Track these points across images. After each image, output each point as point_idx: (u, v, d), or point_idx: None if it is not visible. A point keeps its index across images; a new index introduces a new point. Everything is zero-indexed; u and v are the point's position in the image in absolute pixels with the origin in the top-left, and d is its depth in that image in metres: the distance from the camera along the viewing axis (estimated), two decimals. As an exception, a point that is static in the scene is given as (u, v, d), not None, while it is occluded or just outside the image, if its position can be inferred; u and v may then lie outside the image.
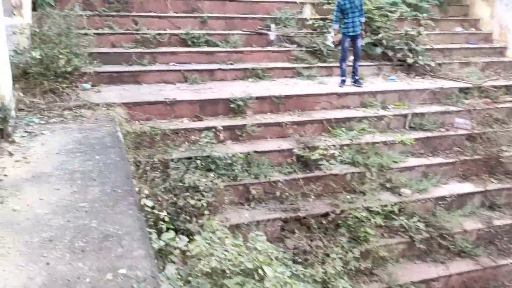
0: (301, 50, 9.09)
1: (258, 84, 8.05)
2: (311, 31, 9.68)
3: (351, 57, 8.53)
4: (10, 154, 4.53)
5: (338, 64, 8.90)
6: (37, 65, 6.46)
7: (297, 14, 10.08)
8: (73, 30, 7.43)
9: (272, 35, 9.25)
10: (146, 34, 8.53)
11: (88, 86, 7.11)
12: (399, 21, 10.05)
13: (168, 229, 3.86)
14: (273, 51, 9.06)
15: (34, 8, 8.14)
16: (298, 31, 9.57)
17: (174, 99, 6.84)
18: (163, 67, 8.09)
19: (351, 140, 6.64)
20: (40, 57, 6.35)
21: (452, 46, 10.37)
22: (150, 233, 3.58)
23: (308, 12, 10.29)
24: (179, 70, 7.99)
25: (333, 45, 9.20)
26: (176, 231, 4.19)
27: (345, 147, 6.69)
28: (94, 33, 7.95)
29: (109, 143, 4.95)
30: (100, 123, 5.76)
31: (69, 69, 6.63)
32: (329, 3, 9.93)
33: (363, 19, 8.13)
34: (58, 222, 3.13)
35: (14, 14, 6.86)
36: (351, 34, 8.03)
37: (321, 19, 9.85)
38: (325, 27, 9.62)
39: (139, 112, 6.60)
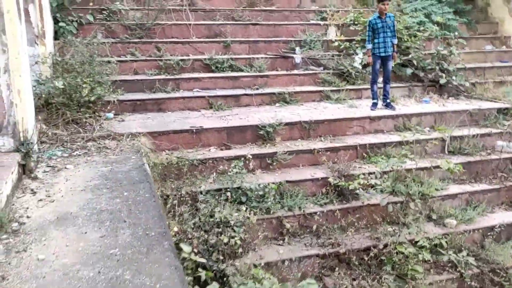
0: (328, 73, 8.78)
1: (285, 109, 7.73)
2: (337, 53, 9.38)
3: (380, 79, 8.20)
4: (33, 193, 4.24)
5: (367, 87, 8.58)
6: (60, 95, 6.26)
7: (322, 36, 9.81)
8: (95, 58, 7.27)
9: (297, 58, 8.97)
10: (169, 60, 8.33)
11: (111, 115, 6.88)
12: (427, 41, 9.72)
13: (210, 279, 3.47)
14: (299, 75, 8.77)
15: (56, 37, 8.02)
16: (324, 53, 9.28)
17: (201, 127, 6.55)
18: (187, 93, 7.84)
19: (391, 168, 6.20)
20: (63, 86, 6.15)
21: (484, 65, 9.96)
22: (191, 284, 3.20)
23: (332, 34, 10.01)
24: (203, 97, 7.73)
25: (360, 67, 8.90)
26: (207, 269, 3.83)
27: (382, 174, 6.27)
28: (117, 61, 7.77)
29: (136, 177, 4.64)
30: (125, 154, 5.48)
31: (92, 98, 6.41)
32: (355, 24, 9.65)
33: (395, 41, 7.80)
34: (88, 274, 2.78)
35: (36, 44, 6.71)
36: (382, 55, 7.70)
37: (347, 41, 9.56)
38: (351, 49, 9.32)
39: (164, 141, 6.31)
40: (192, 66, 8.53)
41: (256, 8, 10.17)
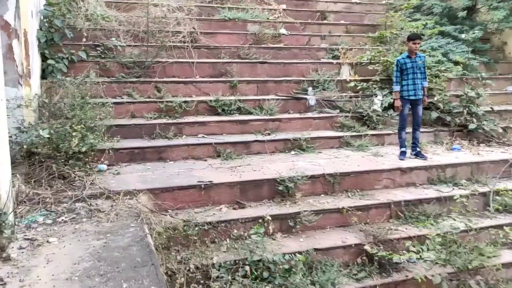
0: (346, 116, 7.94)
1: (303, 158, 6.83)
2: (353, 94, 8.60)
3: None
4: (2, 283, 3.21)
5: (390, 132, 7.79)
6: (45, 145, 5.30)
7: (335, 76, 9.06)
8: (88, 101, 6.36)
9: (311, 100, 8.16)
10: (170, 102, 7.45)
11: (104, 167, 5.91)
12: (447, 81, 9.01)
13: None
14: (314, 118, 7.92)
15: (43, 76, 7.13)
16: (339, 94, 8.49)
17: (210, 182, 5.59)
18: (191, 140, 6.92)
19: (437, 233, 5.25)
20: (48, 135, 5.19)
21: (510, 108, 9.24)
22: None
23: (346, 73, 9.27)
24: (210, 144, 6.81)
25: (380, 110, 8.11)
26: None
27: (423, 238, 5.32)
28: (112, 103, 6.86)
29: (138, 257, 3.64)
30: (122, 220, 4.49)
31: (83, 148, 5.45)
32: (371, 63, 8.92)
33: (426, 83, 7.03)
34: None
35: (20, 84, 5.79)
36: (412, 98, 6.91)
37: (363, 81, 8.82)
38: (369, 89, 8.56)
39: (168, 200, 5.33)
40: (196, 109, 7.65)
41: (263, 46, 9.44)
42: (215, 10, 10.24)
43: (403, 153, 6.96)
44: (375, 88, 8.57)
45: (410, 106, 6.98)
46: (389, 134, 7.83)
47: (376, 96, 8.27)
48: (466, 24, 10.73)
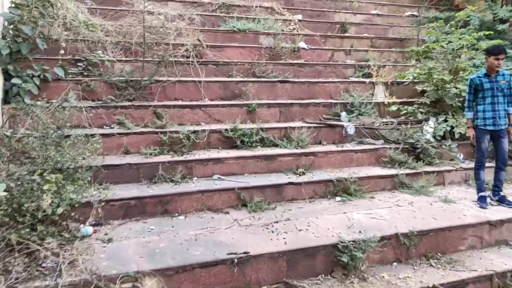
0: (396, 149, 6.34)
1: (354, 207, 5.17)
2: (395, 119, 7.04)
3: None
4: None
5: (449, 168, 6.22)
6: (1, 206, 3.51)
7: (369, 97, 7.51)
8: (67, 133, 4.63)
9: (350, 128, 6.55)
10: (175, 132, 5.74)
11: (90, 230, 4.16)
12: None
13: None
14: (356, 151, 6.30)
15: (6, 100, 5.36)
16: (381, 120, 6.91)
17: (246, 253, 3.86)
18: (205, 183, 5.20)
19: None
20: (6, 193, 3.41)
21: None
22: None
23: (381, 94, 7.73)
24: (231, 189, 5.11)
25: (433, 140, 6.55)
26: None
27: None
28: (99, 134, 5.12)
29: None
30: None
31: (59, 210, 3.68)
32: (415, 82, 7.38)
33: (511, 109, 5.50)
34: None
35: (-32, 113, 4.03)
36: (490, 128, 5.35)
37: (404, 103, 7.30)
38: (414, 114, 7.01)
39: (186, 283, 3.59)
40: (208, 141, 5.95)
41: (281, 62, 7.85)
42: (220, 20, 8.64)
43: (482, 199, 5.36)
44: (422, 113, 7.03)
45: (489, 138, 5.41)
46: (449, 171, 6.26)
47: (427, 123, 6.72)
48: (506, 38, 9.37)
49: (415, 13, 10.90)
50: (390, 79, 7.87)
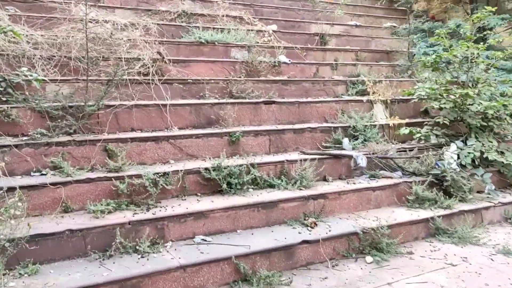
0: (421, 183, 5.01)
1: (397, 273, 3.74)
2: (404, 144, 5.78)
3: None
4: None
5: (487, 204, 4.99)
6: None
7: (370, 118, 6.20)
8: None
9: (360, 158, 5.16)
10: (135, 177, 4.08)
11: None
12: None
13: None
14: (373, 189, 4.91)
15: None
16: (392, 147, 5.60)
17: None
18: (186, 252, 3.58)
19: None
20: None
21: None
22: None
23: (381, 114, 6.47)
24: (225, 258, 3.53)
25: (458, 168, 5.31)
26: None
27: None
28: (24, 187, 3.39)
29: None
30: None
31: None
32: (429, 99, 6.15)
33: None
34: None
35: None
36: None
37: (409, 124, 6.08)
38: (427, 138, 5.78)
39: None
40: (183, 185, 4.34)
41: (262, 78, 6.39)
42: (182, 30, 7.09)
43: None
44: (437, 136, 5.81)
45: None
46: (487, 208, 5.03)
47: (448, 148, 5.48)
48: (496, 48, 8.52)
49: (395, 24, 9.92)
50: (390, 96, 6.64)
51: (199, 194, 4.42)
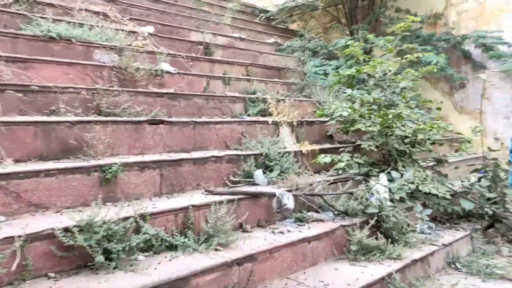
0: (361, 226, 3.91)
1: None
2: (329, 176, 4.71)
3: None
4: None
5: (433, 248, 4.15)
6: None
7: (278, 143, 4.99)
8: None
9: (287, 198, 3.86)
10: None
11: None
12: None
13: None
14: (308, 240, 3.64)
15: None
16: (317, 180, 4.45)
17: None
18: None
19: None
20: None
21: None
22: None
23: (288, 138, 5.34)
24: None
25: (388, 203, 4.40)
26: None
27: None
28: None
29: None
30: None
31: None
32: (347, 122, 5.20)
33: None
34: None
35: None
36: None
37: (324, 151, 5.08)
38: (350, 168, 4.81)
39: None
40: (23, 263, 2.47)
41: (142, 90, 4.73)
42: (22, 20, 5.03)
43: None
44: (360, 165, 4.87)
45: None
46: (432, 253, 4.16)
47: (379, 180, 4.55)
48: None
49: (279, 41, 9.11)
50: (296, 118, 5.58)
51: (52, 275, 2.59)
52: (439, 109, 5.52)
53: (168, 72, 5.35)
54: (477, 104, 8.05)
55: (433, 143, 5.15)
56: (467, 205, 4.83)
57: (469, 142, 5.34)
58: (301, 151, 5.03)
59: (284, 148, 4.89)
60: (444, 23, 8.46)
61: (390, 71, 5.26)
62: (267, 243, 3.36)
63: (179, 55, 5.97)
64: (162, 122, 4.25)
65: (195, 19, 8.19)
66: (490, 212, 4.94)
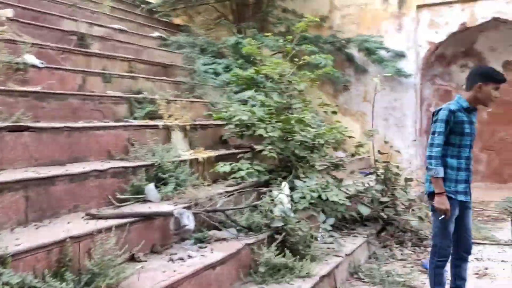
0: (269, 243, 3.57)
1: None
2: (229, 187, 4.31)
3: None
4: None
5: (337, 259, 4.03)
6: None
7: (170, 151, 4.44)
8: None
9: (186, 218, 3.35)
10: None
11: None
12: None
13: None
14: (213, 266, 3.17)
15: None
16: (217, 192, 4.01)
17: None
18: None
19: None
20: None
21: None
22: None
23: (180, 144, 4.81)
24: None
25: (291, 214, 4.19)
26: None
27: None
28: None
29: None
30: None
31: None
32: (247, 126, 4.83)
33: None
34: None
35: None
36: (461, 199, 3.34)
37: (221, 158, 4.68)
38: (250, 177, 4.47)
39: None
40: None
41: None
42: None
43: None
44: (260, 172, 4.56)
45: (457, 213, 3.36)
46: (337, 265, 4.00)
47: (281, 189, 4.28)
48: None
49: (164, 35, 8.42)
50: (188, 121, 5.07)
51: None
52: (334, 112, 5.47)
53: (34, 66, 4.44)
54: (360, 107, 8.36)
55: (335, 148, 5.07)
56: (364, 210, 4.84)
57: (361, 146, 5.38)
58: (197, 159, 4.54)
59: (178, 157, 4.35)
60: (329, 26, 8.60)
61: (287, 73, 5.03)
62: (167, 277, 2.82)
63: (48, 45, 5.04)
64: (27, 128, 3.41)
65: (66, 5, 7.11)
66: (385, 216, 5.02)
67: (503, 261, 4.70)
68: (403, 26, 7.92)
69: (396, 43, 7.90)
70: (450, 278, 3.52)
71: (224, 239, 3.60)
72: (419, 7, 7.82)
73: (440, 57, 8.28)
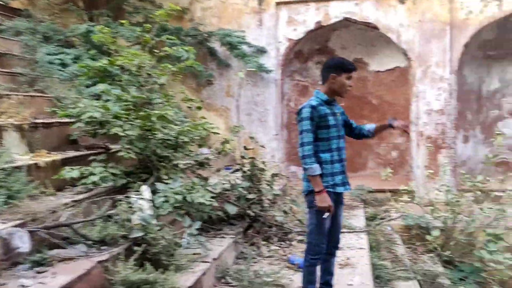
0: (126, 256, 3.12)
1: None
2: (79, 194, 3.73)
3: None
4: None
5: (204, 266, 3.79)
6: None
7: (1, 156, 3.69)
8: None
9: (20, 239, 2.73)
10: None
11: None
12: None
13: None
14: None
15: None
16: (63, 202, 3.40)
17: None
18: None
19: None
20: None
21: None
22: None
23: (17, 148, 4.08)
24: None
25: (154, 221, 3.82)
26: None
27: None
28: None
29: None
30: None
31: None
32: (95, 123, 4.22)
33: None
34: None
35: None
36: (340, 190, 3.31)
37: (70, 161, 4.09)
38: (105, 182, 3.95)
39: None
40: None
41: None
42: None
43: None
44: (116, 176, 4.06)
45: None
46: (205, 273, 3.72)
47: (141, 193, 3.84)
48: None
49: (-3, 19, 7.19)
50: (27, 119, 4.31)
51: None
52: (199, 108, 5.18)
53: None
54: (223, 101, 8.23)
55: (200, 145, 4.78)
56: (231, 209, 4.65)
57: (227, 142, 5.20)
58: (37, 164, 3.84)
59: (12, 162, 3.62)
60: (190, 18, 8.28)
61: (146, 65, 4.57)
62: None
63: None
64: None
65: None
66: (252, 214, 4.91)
67: (360, 248, 4.94)
68: (264, 22, 7.98)
69: (258, 39, 7.92)
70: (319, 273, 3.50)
71: (71, 259, 3.05)
72: (278, 4, 7.94)
73: (298, 54, 8.56)
